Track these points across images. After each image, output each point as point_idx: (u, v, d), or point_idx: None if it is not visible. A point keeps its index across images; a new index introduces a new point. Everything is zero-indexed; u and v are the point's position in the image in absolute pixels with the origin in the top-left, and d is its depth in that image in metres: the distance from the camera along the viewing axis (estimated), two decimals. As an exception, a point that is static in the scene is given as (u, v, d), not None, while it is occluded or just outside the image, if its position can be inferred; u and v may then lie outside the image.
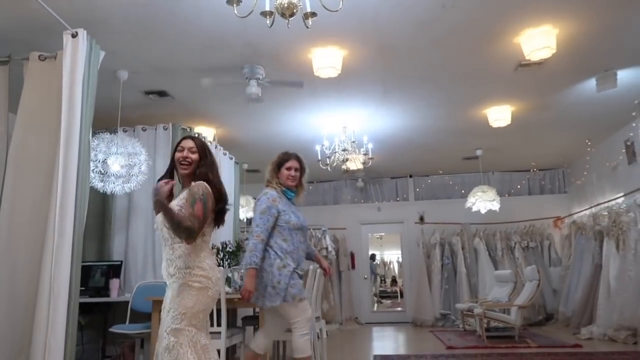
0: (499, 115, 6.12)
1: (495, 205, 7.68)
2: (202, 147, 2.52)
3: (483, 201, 7.66)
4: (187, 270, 2.34)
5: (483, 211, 7.74)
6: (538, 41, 4.23)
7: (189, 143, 2.51)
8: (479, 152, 7.99)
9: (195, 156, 2.49)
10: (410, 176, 9.82)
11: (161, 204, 2.31)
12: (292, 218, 3.20)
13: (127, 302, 4.55)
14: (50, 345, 3.04)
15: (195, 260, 2.35)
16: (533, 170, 9.40)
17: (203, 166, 2.48)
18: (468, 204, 7.84)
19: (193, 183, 2.43)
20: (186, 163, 2.48)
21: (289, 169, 3.27)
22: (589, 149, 7.82)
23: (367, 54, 4.62)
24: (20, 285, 3.36)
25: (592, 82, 5.34)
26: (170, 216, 2.29)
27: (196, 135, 5.42)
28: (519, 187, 9.47)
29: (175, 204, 2.40)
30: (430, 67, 4.96)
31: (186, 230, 2.27)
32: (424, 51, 4.59)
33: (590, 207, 7.75)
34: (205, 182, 2.41)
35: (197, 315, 2.32)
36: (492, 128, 6.36)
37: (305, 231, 3.31)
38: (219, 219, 2.52)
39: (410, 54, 4.65)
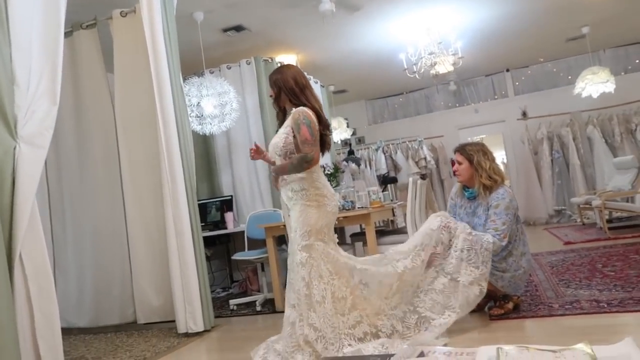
0: (607, -19, 5.32)
1: (610, 87, 6.92)
2: (273, 81, 2.64)
3: (594, 84, 6.93)
4: (303, 192, 2.54)
5: (595, 95, 7.03)
6: None
7: (269, 82, 2.68)
8: (585, 30, 7.09)
9: (274, 91, 2.64)
10: (507, 70, 9.08)
11: (274, 176, 2.62)
12: None
13: (242, 232, 4.91)
14: (184, 275, 3.42)
15: (310, 181, 2.53)
16: (654, 40, 8.22)
17: (286, 95, 2.60)
18: (577, 90, 7.14)
19: (292, 110, 2.57)
20: (274, 100, 2.67)
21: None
22: None
23: (444, -59, 4.17)
24: (152, 227, 3.77)
25: None
26: (286, 172, 2.53)
27: (278, 64, 5.48)
28: (637, 61, 8.36)
29: (282, 132, 2.58)
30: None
31: (302, 160, 2.46)
32: None
33: None
34: (303, 107, 2.53)
35: (322, 230, 2.53)
36: (600, -2, 5.58)
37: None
38: (322, 145, 2.63)
39: None
